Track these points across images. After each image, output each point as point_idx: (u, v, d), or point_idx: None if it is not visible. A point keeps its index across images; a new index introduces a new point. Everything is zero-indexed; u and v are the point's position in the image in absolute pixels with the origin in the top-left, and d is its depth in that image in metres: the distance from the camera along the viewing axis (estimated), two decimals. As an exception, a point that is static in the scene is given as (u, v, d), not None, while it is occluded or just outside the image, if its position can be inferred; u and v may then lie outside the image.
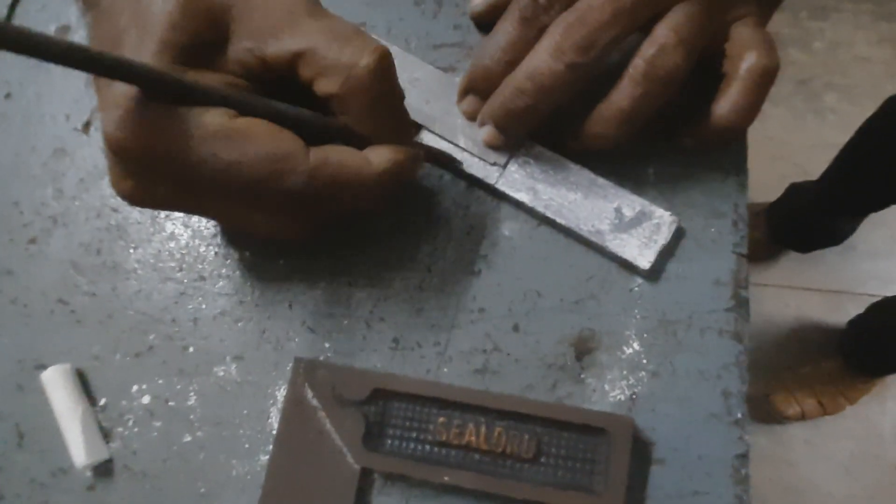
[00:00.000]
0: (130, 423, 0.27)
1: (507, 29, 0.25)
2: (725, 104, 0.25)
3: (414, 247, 0.28)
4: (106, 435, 0.26)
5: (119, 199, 0.29)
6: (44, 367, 0.27)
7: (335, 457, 0.25)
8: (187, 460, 0.26)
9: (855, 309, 0.97)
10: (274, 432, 0.26)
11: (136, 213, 0.29)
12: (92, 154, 0.30)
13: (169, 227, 0.29)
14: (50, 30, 0.31)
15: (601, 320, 0.27)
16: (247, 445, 0.26)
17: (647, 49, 0.24)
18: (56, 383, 0.26)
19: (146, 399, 0.27)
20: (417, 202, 0.28)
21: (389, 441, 0.25)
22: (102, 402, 0.27)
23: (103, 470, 0.26)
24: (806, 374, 1.02)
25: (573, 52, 0.23)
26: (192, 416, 0.26)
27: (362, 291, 0.27)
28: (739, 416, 0.25)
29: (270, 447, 0.26)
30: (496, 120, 0.26)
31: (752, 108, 0.25)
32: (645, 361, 0.26)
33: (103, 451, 0.26)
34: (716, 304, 0.27)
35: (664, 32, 0.24)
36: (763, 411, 1.03)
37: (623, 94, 0.24)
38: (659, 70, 0.24)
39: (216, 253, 0.28)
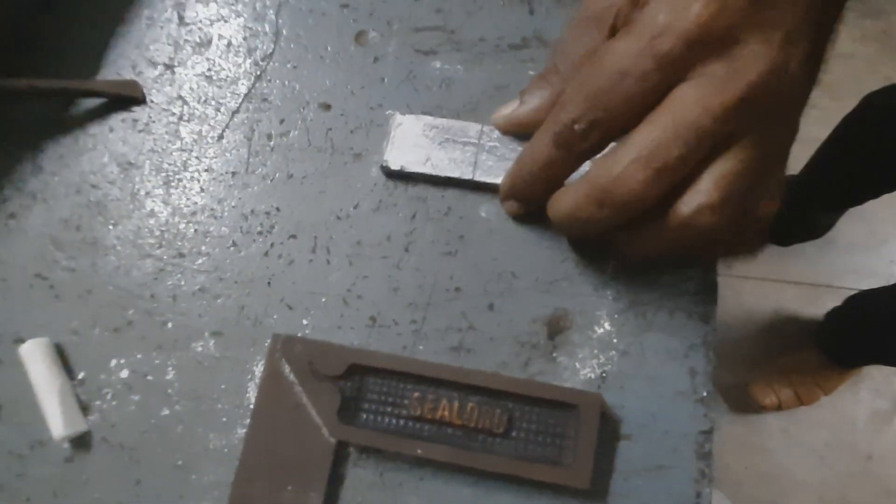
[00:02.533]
0: (109, 396, 0.27)
1: (541, 149, 0.24)
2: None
3: (392, 227, 0.28)
4: (84, 408, 0.27)
5: (100, 175, 0.29)
6: (22, 340, 0.27)
7: (311, 430, 0.25)
8: (165, 433, 0.26)
9: (832, 302, 0.99)
10: (251, 406, 0.26)
11: (115, 191, 0.29)
12: (72, 130, 0.30)
13: (149, 204, 0.29)
14: None
15: (574, 301, 0.27)
16: (224, 419, 0.26)
17: (684, 206, 0.21)
18: (34, 357, 0.26)
19: (124, 373, 0.27)
20: (396, 183, 0.29)
21: (365, 415, 0.26)
22: (81, 375, 0.27)
23: (81, 442, 0.26)
24: (783, 364, 1.04)
25: (611, 211, 0.22)
26: (170, 391, 0.27)
27: (340, 270, 0.28)
28: (705, 394, 0.26)
29: (248, 421, 0.26)
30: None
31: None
32: (615, 341, 0.27)
33: (81, 423, 0.26)
34: (685, 286, 0.27)
35: (707, 188, 0.21)
36: (741, 401, 1.05)
37: (652, 238, 0.23)
38: (693, 231, 0.22)
39: (196, 230, 0.29)
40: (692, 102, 0.20)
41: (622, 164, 0.21)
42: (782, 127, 0.22)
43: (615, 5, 0.24)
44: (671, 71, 0.21)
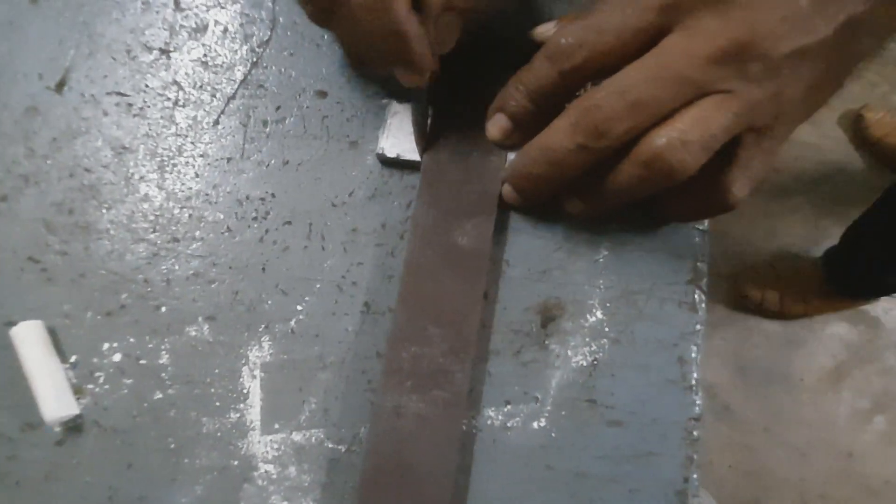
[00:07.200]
0: (101, 380, 0.27)
1: (535, 62, 0.25)
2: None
3: (387, 215, 0.28)
4: (76, 392, 0.27)
5: (94, 159, 0.29)
6: (14, 324, 0.27)
7: None
8: (158, 417, 0.26)
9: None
10: (245, 391, 0.26)
11: (109, 175, 0.29)
12: (65, 114, 0.30)
13: (143, 188, 0.29)
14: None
15: (566, 289, 0.28)
16: (217, 403, 0.27)
17: (657, 138, 0.23)
18: (26, 339, 0.26)
19: (117, 357, 0.27)
20: (392, 172, 0.29)
21: None
22: (73, 359, 0.27)
23: (73, 425, 0.26)
24: (781, 269, 1.08)
25: (585, 136, 0.23)
26: (163, 374, 0.27)
27: (335, 256, 0.28)
28: (693, 382, 0.27)
29: (241, 405, 0.26)
30: (513, 181, 0.27)
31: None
32: (607, 329, 0.27)
33: (73, 406, 0.26)
34: (676, 276, 0.28)
35: (683, 126, 0.22)
36: (727, 291, 1.09)
37: (622, 173, 0.24)
38: (662, 164, 0.23)
39: (190, 215, 0.28)
40: (678, 50, 0.22)
41: (603, 93, 0.23)
42: (765, 94, 0.22)
43: None
44: (665, 14, 0.22)
